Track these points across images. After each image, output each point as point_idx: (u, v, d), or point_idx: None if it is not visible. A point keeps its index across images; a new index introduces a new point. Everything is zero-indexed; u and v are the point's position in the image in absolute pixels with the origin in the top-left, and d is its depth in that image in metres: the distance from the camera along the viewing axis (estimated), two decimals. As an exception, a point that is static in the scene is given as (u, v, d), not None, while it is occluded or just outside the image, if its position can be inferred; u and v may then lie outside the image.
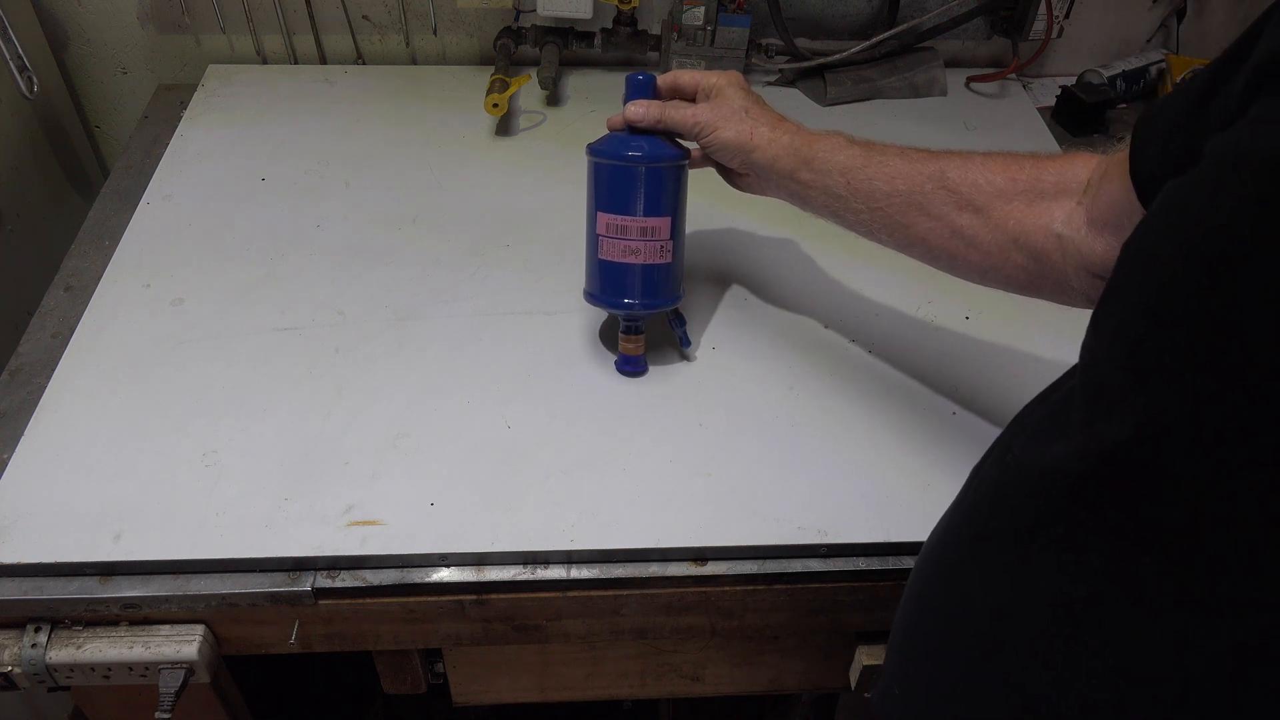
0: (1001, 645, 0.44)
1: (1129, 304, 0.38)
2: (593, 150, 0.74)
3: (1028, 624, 0.43)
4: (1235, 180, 0.33)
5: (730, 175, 0.76)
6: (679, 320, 0.80)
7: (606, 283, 0.76)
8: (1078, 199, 0.58)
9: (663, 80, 0.75)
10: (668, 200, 0.74)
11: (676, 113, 0.72)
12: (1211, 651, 0.35)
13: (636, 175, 0.72)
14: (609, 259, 0.75)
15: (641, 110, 0.72)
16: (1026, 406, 0.50)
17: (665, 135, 0.74)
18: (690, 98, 0.75)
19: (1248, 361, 0.32)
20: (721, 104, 0.72)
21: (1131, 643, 0.38)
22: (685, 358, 0.81)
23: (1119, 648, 0.38)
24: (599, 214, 0.74)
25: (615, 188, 0.73)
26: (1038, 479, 0.42)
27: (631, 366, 0.79)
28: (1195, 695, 0.36)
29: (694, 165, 0.77)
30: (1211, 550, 0.35)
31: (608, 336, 0.82)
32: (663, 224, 0.74)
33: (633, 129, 0.74)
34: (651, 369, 0.80)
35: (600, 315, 0.84)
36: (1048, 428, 0.43)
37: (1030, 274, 0.61)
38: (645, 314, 0.77)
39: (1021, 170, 0.61)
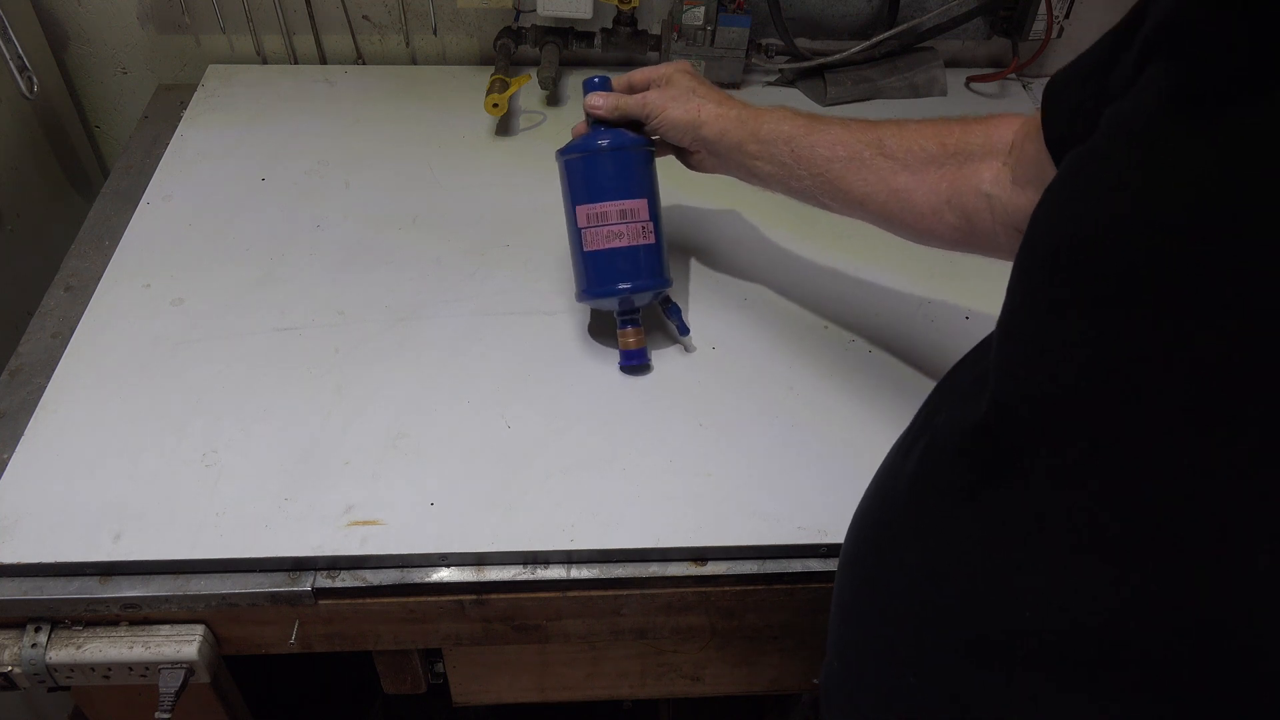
0: (935, 604, 0.45)
1: (1033, 268, 0.41)
2: (562, 151, 0.77)
3: (959, 581, 0.44)
4: (1119, 150, 0.36)
5: (684, 156, 0.79)
6: (673, 309, 0.80)
7: (596, 273, 0.77)
8: (1004, 159, 0.62)
9: (617, 81, 0.79)
10: (640, 182, 0.76)
11: (629, 100, 0.77)
12: (1121, 603, 0.37)
13: (606, 160, 0.75)
14: (594, 248, 0.76)
15: (599, 100, 0.77)
16: (952, 371, 0.54)
17: (627, 126, 0.77)
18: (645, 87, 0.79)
19: (1128, 325, 0.35)
20: (670, 88, 0.76)
21: (1050, 596, 0.39)
22: (685, 347, 0.81)
23: (1043, 601, 0.39)
24: (577, 209, 0.76)
25: (589, 177, 0.76)
26: (961, 440, 0.45)
27: (635, 360, 0.78)
28: (1108, 646, 0.38)
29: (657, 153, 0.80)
30: (1113, 502, 0.37)
31: (604, 335, 0.82)
32: (640, 205, 0.76)
33: (595, 121, 0.77)
34: (651, 369, 0.80)
35: (596, 315, 0.84)
36: (972, 392, 0.45)
37: (963, 232, 0.65)
38: (639, 295, 0.77)
39: (951, 135, 0.65)
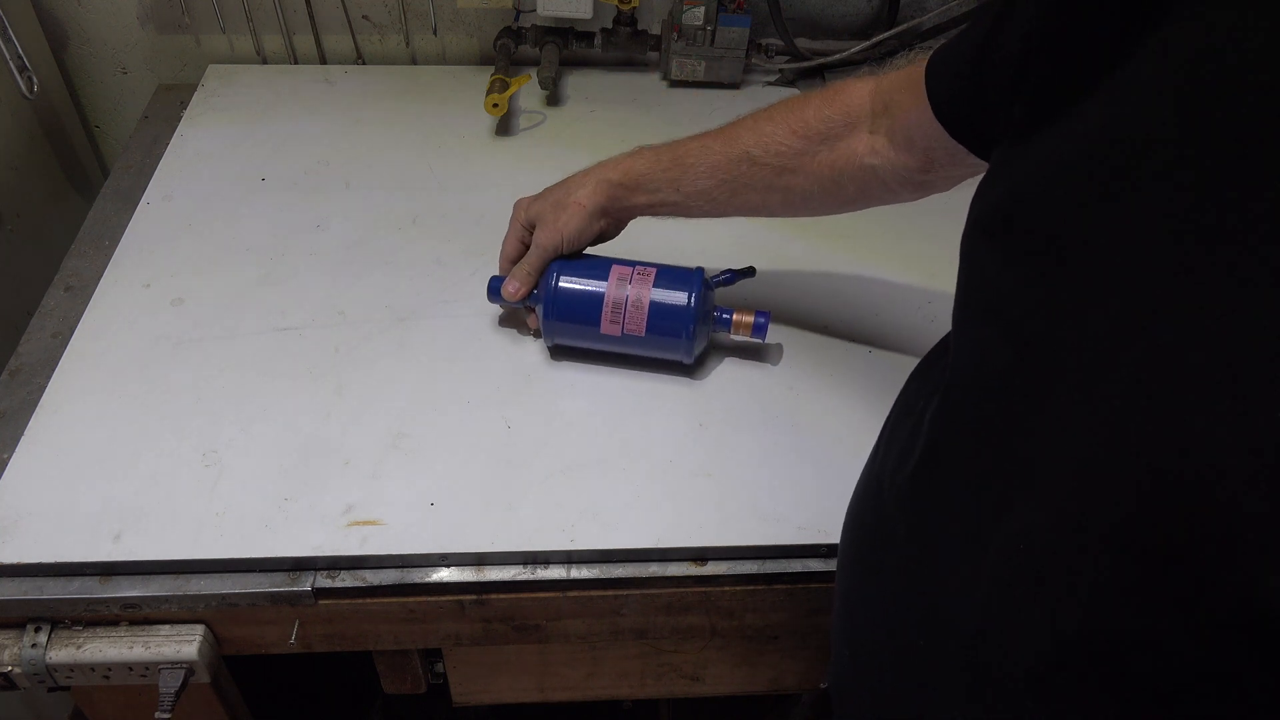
0: (925, 577, 0.48)
1: (979, 241, 0.46)
2: (544, 323, 0.78)
3: (941, 548, 0.46)
4: (1032, 141, 0.43)
5: (601, 238, 0.79)
6: (725, 276, 0.81)
7: (666, 328, 0.76)
8: (869, 127, 0.65)
9: (502, 263, 0.81)
10: (597, 262, 0.78)
11: (528, 260, 0.78)
12: (1032, 545, 0.40)
13: (566, 282, 0.76)
14: (646, 323, 0.76)
15: (514, 284, 0.78)
16: (925, 359, 0.59)
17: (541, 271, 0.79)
18: (528, 244, 0.79)
19: (1058, 267, 0.41)
20: (541, 221, 0.77)
21: (1012, 549, 0.42)
22: (755, 340, 0.81)
23: (1008, 557, 0.42)
24: (603, 329, 0.77)
25: (573, 301, 0.77)
26: (933, 418, 0.49)
27: (764, 324, 0.79)
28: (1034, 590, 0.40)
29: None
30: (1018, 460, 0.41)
31: None
32: (620, 267, 0.77)
33: (530, 298, 0.79)
34: (652, 370, 0.80)
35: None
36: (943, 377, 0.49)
37: (862, 200, 0.70)
38: (704, 296, 0.76)
39: (805, 123, 0.68)
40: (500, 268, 0.81)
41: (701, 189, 0.72)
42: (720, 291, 0.81)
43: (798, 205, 0.71)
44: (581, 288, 0.77)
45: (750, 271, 0.82)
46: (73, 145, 1.13)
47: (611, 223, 0.77)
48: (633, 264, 0.78)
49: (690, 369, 0.80)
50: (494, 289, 0.81)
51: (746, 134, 0.71)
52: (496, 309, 0.85)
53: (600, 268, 0.77)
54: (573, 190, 0.75)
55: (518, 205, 0.79)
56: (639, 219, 0.79)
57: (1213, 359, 0.34)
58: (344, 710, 1.21)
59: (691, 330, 0.76)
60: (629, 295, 0.76)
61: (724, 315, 0.79)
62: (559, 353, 0.81)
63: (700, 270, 0.78)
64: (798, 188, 0.69)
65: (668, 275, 0.77)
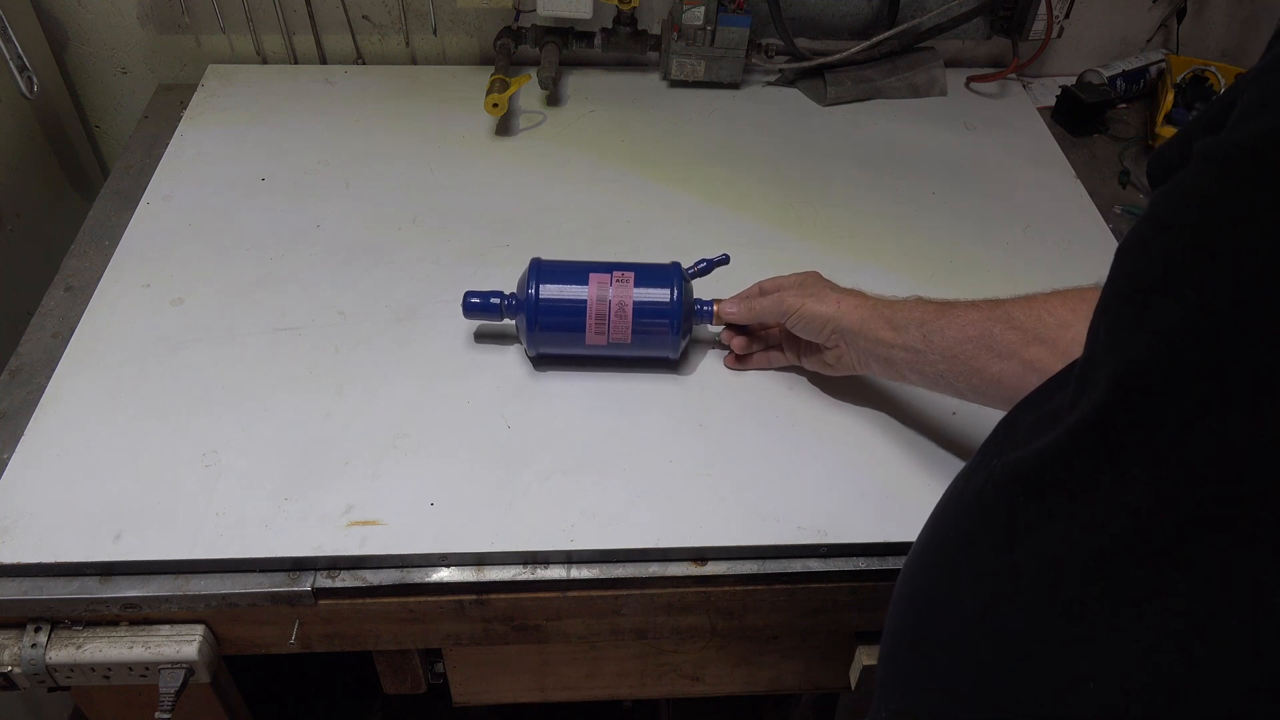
0: (987, 647, 0.44)
1: (1120, 297, 0.39)
2: (525, 335, 0.76)
3: (1009, 624, 0.42)
4: (1215, 166, 0.35)
5: (817, 354, 0.77)
6: (700, 267, 0.80)
7: (648, 324, 0.76)
8: None
9: (748, 289, 0.79)
10: (574, 266, 0.77)
11: (762, 301, 0.77)
12: (1187, 630, 0.34)
13: (547, 296, 0.75)
14: (631, 324, 0.75)
15: (732, 306, 0.79)
16: (1012, 412, 0.51)
17: (759, 327, 0.81)
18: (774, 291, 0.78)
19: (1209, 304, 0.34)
20: (805, 287, 0.75)
21: (1105, 633, 0.37)
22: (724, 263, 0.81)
23: (1096, 640, 0.38)
24: (588, 337, 0.76)
25: (556, 313, 0.75)
26: (1020, 469, 0.43)
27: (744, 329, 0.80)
28: (1166, 678, 0.35)
29: (766, 364, 0.81)
30: (1177, 514, 0.35)
31: None
32: (600, 275, 0.76)
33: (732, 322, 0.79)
34: (651, 370, 0.80)
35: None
36: (1039, 429, 0.44)
37: None
38: (685, 290, 0.77)
39: (1083, 300, 0.63)
40: (748, 290, 0.80)
41: (947, 338, 0.68)
42: (702, 282, 0.81)
43: (1032, 387, 0.61)
44: (563, 296, 0.75)
45: (724, 259, 0.81)
46: (73, 145, 1.13)
47: (843, 352, 0.74)
48: (609, 268, 0.77)
49: (677, 365, 0.80)
50: (468, 305, 0.78)
51: (1015, 300, 0.67)
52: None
53: (579, 267, 0.77)
54: (844, 294, 0.74)
55: (813, 271, 0.78)
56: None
57: None
58: (344, 710, 1.21)
59: (678, 332, 0.76)
60: (614, 301, 0.75)
61: (705, 307, 0.79)
62: (543, 361, 0.81)
63: (677, 265, 0.78)
64: (1040, 364, 0.63)
65: (650, 275, 0.76)
